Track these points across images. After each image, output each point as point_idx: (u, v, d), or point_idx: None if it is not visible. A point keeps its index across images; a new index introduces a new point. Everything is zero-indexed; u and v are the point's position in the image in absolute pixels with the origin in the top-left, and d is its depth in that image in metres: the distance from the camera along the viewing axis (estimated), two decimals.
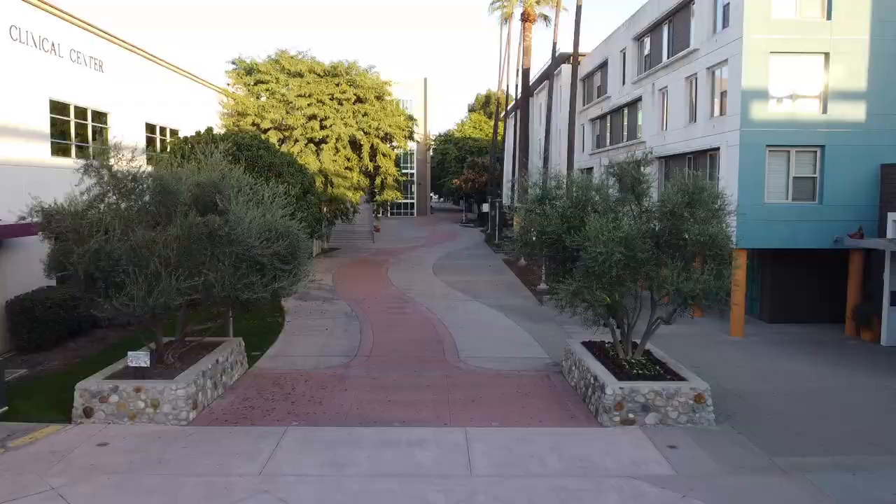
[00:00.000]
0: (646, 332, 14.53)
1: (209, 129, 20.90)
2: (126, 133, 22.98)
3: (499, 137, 69.99)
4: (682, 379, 13.20)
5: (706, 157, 22.86)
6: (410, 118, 39.35)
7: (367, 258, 41.72)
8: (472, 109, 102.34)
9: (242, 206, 13.07)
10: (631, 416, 12.53)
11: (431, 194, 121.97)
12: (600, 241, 12.42)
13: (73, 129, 20.97)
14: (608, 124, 35.36)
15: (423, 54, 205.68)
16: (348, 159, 35.99)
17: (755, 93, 19.98)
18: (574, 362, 15.33)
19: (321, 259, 40.25)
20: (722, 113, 21.70)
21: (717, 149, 21.62)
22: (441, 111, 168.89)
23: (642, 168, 13.88)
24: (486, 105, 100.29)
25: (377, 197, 38.26)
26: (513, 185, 48.26)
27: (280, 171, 19.95)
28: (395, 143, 37.67)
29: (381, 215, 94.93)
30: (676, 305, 13.33)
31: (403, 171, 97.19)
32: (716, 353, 18.70)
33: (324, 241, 46.09)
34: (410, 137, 39.70)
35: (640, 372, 13.52)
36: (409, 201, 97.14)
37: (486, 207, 64.08)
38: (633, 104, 30.70)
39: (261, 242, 12.89)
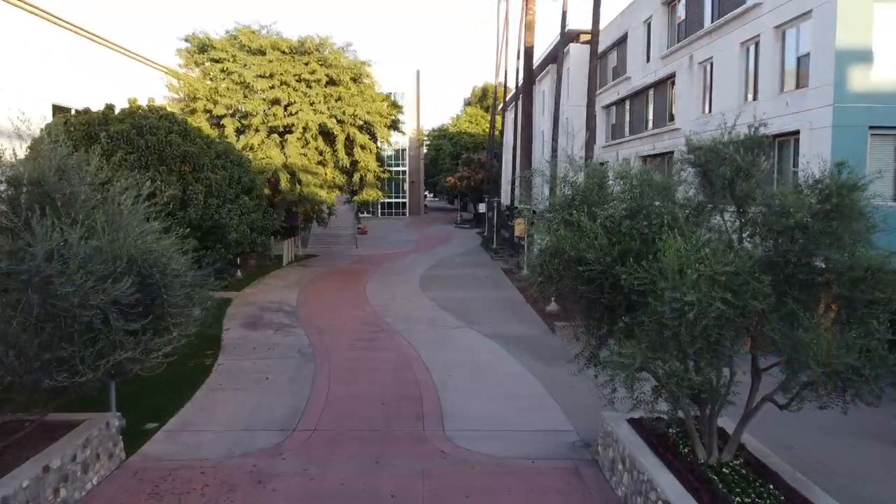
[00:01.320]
0: (743, 417, 9.05)
1: (110, 107, 15.45)
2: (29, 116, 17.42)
3: (497, 132, 64.52)
4: None
5: (774, 145, 17.36)
6: (395, 105, 33.73)
7: (346, 267, 36.14)
8: (468, 104, 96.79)
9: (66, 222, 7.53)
10: None
11: (426, 193, 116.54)
12: (687, 282, 6.93)
13: None
14: (627, 111, 29.89)
15: (415, 46, 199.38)
16: (320, 153, 30.42)
17: (853, 55, 14.50)
18: (621, 457, 9.83)
19: (292, 269, 34.66)
20: (799, 85, 16.20)
21: (794, 133, 16.12)
22: (435, 106, 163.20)
23: (751, 153, 8.35)
24: (482, 99, 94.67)
25: (356, 196, 32.71)
26: (513, 183, 42.76)
27: (199, 164, 14.45)
28: (376, 135, 32.04)
29: (368, 214, 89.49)
30: (806, 385, 7.85)
31: (395, 168, 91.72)
32: (874, 454, 11.86)
33: (298, 246, 40.51)
34: (395, 128, 34.10)
35: (740, 493, 8.05)
36: (400, 200, 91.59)
37: (482, 208, 58.61)
38: (662, 84, 25.22)
39: (92, 282, 7.32)
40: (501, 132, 61.12)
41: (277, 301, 25.66)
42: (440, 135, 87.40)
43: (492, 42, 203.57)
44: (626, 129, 29.86)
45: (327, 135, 30.68)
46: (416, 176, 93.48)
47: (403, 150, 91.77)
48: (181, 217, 13.77)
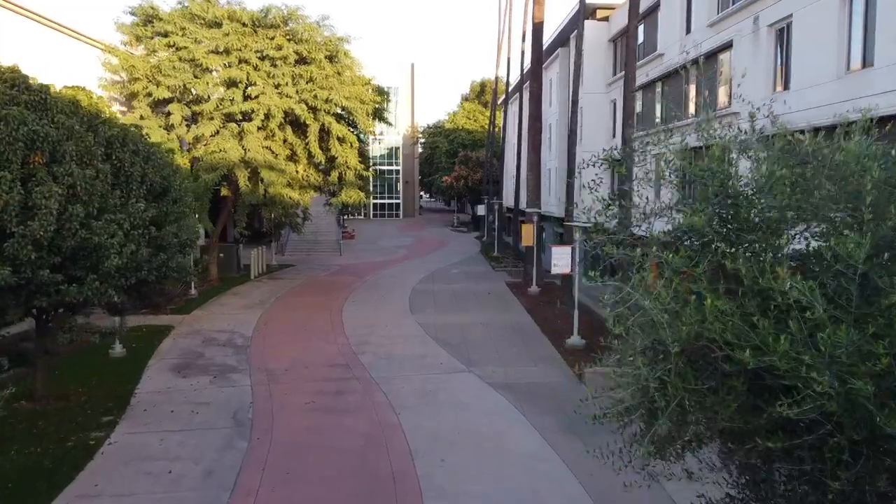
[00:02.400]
0: None
1: None
2: None
3: (497, 129, 59.61)
4: None
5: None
6: (380, 91, 28.61)
7: (325, 280, 31.06)
8: (466, 100, 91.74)
9: None
10: None
11: (421, 193, 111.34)
12: None
13: None
14: (659, 94, 24.90)
15: (409, 38, 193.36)
16: (290, 146, 25.36)
17: None
18: None
19: (260, 283, 29.58)
20: None
21: None
22: (431, 102, 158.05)
23: None
24: (481, 94, 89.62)
25: (334, 199, 27.59)
26: (517, 183, 37.70)
27: (60, 154, 9.35)
28: (358, 126, 26.94)
29: (359, 216, 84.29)
30: None
31: (388, 167, 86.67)
32: None
33: (273, 255, 35.46)
34: (380, 118, 28.97)
35: None
36: (394, 201, 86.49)
37: (481, 210, 53.68)
38: (712, 58, 20.21)
39: None
40: (503, 129, 56.17)
41: (229, 329, 20.59)
42: (436, 132, 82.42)
43: (490, 35, 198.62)
44: (658, 118, 24.88)
45: (298, 125, 25.61)
46: (410, 175, 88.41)
47: (397, 148, 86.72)
48: (21, 234, 8.78)
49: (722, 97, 19.52)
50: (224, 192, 25.17)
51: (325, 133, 25.45)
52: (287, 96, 23.62)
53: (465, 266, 36.84)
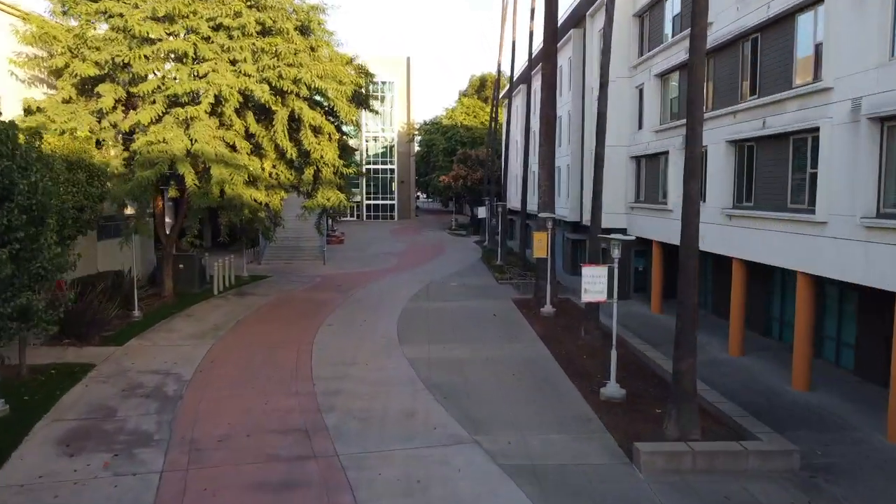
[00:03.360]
0: None
1: None
2: None
3: (498, 126, 55.17)
4: None
5: None
6: (363, 72, 23.90)
7: (301, 297, 26.51)
8: (464, 95, 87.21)
9: None
10: None
11: (418, 193, 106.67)
12: None
13: None
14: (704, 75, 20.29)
15: (406, 32, 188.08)
16: (252, 137, 20.83)
17: None
18: None
19: (223, 301, 25.04)
20: None
21: None
22: (428, 98, 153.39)
23: None
24: (480, 90, 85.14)
25: (308, 201, 22.96)
26: (525, 183, 33.21)
27: None
28: (338, 114, 22.36)
29: (352, 218, 79.70)
30: None
31: (382, 166, 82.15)
32: None
33: (246, 262, 30.99)
34: (363, 104, 24.35)
35: None
36: (388, 202, 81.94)
37: (481, 212, 49.20)
38: (782, 22, 15.69)
39: None
40: (509, 122, 51.84)
41: (165, 369, 16.07)
42: (433, 128, 77.87)
43: (490, 27, 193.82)
44: (710, 101, 20.38)
45: (264, 111, 21.09)
46: (405, 175, 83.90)
47: (392, 146, 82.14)
48: None
49: (802, 71, 15.02)
50: (172, 192, 20.64)
51: (296, 122, 20.93)
52: (245, 75, 19.06)
53: (464, 277, 32.31)
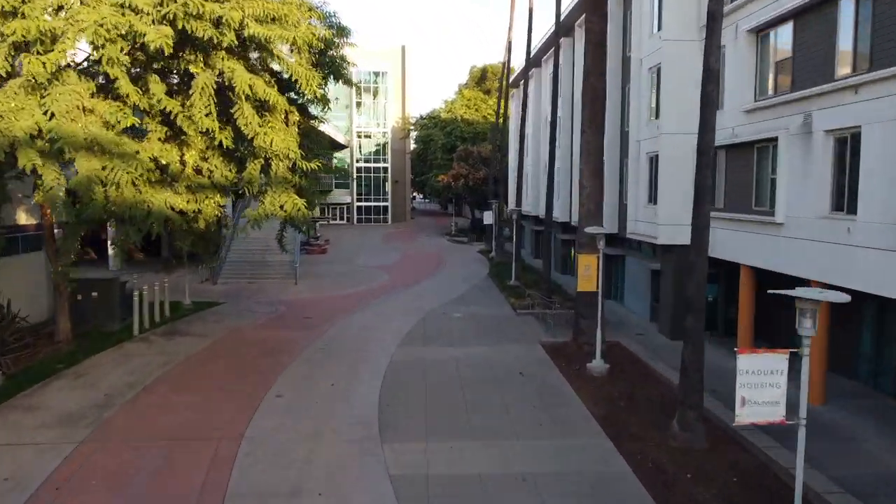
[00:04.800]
0: None
1: None
2: None
3: (505, 118, 48.25)
4: None
5: None
6: (330, 24, 16.51)
7: (251, 338, 19.44)
8: (465, 88, 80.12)
9: None
10: None
11: (414, 194, 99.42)
12: None
13: None
14: (834, 31, 13.40)
15: (402, 19, 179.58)
16: (161, 115, 13.79)
17: None
18: None
19: (141, 346, 18.00)
20: None
21: None
22: (425, 91, 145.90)
23: None
24: (481, 81, 78.18)
25: (249, 210, 15.71)
26: (550, 183, 26.17)
27: None
28: (299, 86, 15.26)
29: (342, 221, 72.25)
30: None
31: (374, 164, 74.85)
32: None
33: (201, 279, 24.05)
34: (334, 73, 16.94)
35: None
36: (381, 204, 74.85)
37: (487, 217, 42.27)
38: None
39: None
40: (525, 109, 45.00)
41: None
42: (431, 123, 70.83)
43: (493, 14, 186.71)
44: (833, 67, 13.41)
45: (187, 76, 14.11)
46: (400, 174, 76.93)
47: (385, 143, 75.03)
48: None
49: None
50: (38, 197, 13.60)
51: (223, 89, 13.93)
52: (134, 10, 11.97)
53: (471, 303, 25.34)
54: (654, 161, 20.64)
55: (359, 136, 75.04)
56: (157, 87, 13.11)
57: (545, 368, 16.40)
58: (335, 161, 72.42)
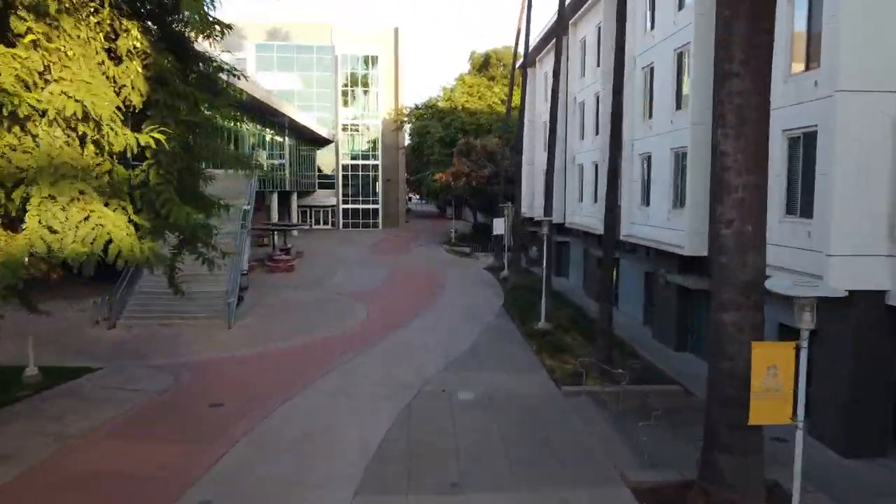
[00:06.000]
0: None
1: None
2: None
3: (514, 106, 39.41)
4: None
5: None
6: None
7: (82, 471, 10.40)
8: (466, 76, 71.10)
9: None
10: None
11: (409, 195, 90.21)
12: None
13: None
14: None
15: (396, 6, 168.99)
16: None
17: None
18: None
19: None
20: None
21: None
22: (421, 80, 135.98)
23: None
24: (484, 68, 69.23)
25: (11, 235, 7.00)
26: (615, 175, 16.96)
27: None
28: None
29: (328, 226, 62.63)
30: None
31: (364, 162, 65.37)
32: None
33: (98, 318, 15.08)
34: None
35: None
36: (371, 206, 65.76)
37: (498, 225, 33.48)
38: None
39: None
40: (555, 96, 36.21)
41: None
42: (428, 113, 61.92)
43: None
44: None
45: None
46: (393, 172, 67.87)
47: (376, 138, 65.99)
48: None
49: None
50: None
51: None
52: None
53: (486, 367, 16.40)
54: None
55: (345, 130, 66.00)
56: None
57: None
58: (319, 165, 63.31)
